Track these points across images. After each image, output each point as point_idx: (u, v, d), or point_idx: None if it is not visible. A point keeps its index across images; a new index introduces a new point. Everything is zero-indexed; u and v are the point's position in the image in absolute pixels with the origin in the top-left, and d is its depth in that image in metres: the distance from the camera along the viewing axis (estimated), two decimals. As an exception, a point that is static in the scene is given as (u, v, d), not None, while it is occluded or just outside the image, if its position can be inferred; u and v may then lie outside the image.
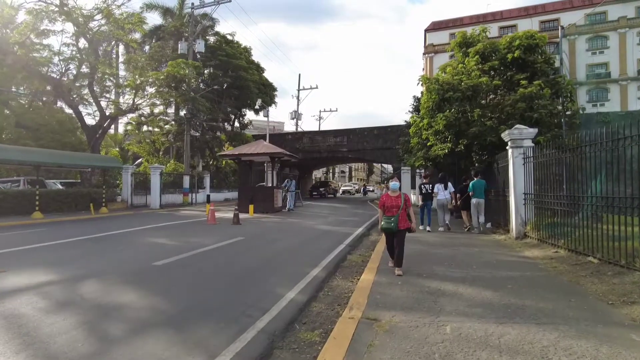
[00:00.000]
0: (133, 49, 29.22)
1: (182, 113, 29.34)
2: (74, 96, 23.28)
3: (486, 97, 12.84)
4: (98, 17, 23.10)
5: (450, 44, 14.19)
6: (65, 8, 20.42)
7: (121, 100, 26.73)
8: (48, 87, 22.85)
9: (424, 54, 45.94)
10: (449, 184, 11.44)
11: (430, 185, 11.70)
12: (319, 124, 52.45)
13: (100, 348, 3.39)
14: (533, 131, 9.20)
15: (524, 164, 9.16)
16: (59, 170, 25.41)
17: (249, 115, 40.49)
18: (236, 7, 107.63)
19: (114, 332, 3.75)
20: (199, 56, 30.84)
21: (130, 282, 5.57)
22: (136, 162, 33.20)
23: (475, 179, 10.85)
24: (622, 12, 42.23)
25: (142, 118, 34.71)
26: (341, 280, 5.99)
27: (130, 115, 32.51)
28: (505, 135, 9.62)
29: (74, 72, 22.72)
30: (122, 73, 28.28)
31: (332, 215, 18.37)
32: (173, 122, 33.68)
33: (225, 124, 38.74)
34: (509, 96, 11.72)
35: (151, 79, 24.81)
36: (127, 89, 24.50)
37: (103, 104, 24.56)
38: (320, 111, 71.76)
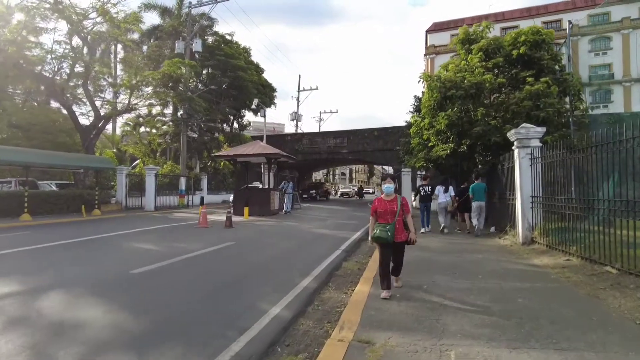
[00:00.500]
0: (130, 49, 28.83)
1: (180, 113, 28.83)
2: (68, 96, 22.80)
3: (490, 96, 12.30)
4: (93, 15, 22.70)
5: (452, 41, 13.65)
6: (59, 6, 19.97)
7: (117, 100, 26.31)
8: (42, 87, 22.41)
9: (425, 55, 45.45)
10: (450, 187, 11.67)
11: (430, 188, 11.78)
12: (319, 126, 51.98)
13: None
14: (541, 130, 8.66)
15: (531, 165, 8.61)
16: (54, 172, 24.96)
17: (249, 116, 40.02)
18: (237, 9, 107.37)
19: (62, 358, 3.22)
20: (197, 56, 30.39)
21: (100, 294, 5.03)
22: (133, 164, 32.74)
23: (475, 182, 10.80)
24: (625, 13, 41.75)
25: (140, 119, 34.31)
26: (334, 291, 5.45)
27: (126, 116, 32.14)
28: (511, 135, 9.08)
29: (68, 71, 22.23)
30: (119, 73, 27.92)
31: (330, 218, 17.84)
32: (170, 123, 33.23)
33: (224, 125, 38.26)
34: (514, 94, 11.19)
35: (147, 78, 24.32)
36: (123, 89, 24.01)
37: (98, 103, 24.10)
38: (320, 112, 71.09)
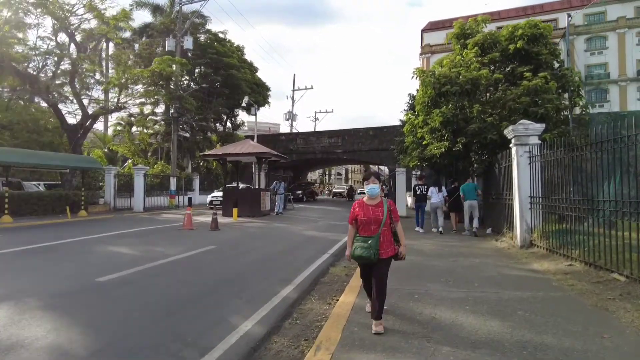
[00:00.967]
0: (121, 47, 28.20)
1: (170, 112, 28.23)
2: (55, 94, 22.18)
3: (486, 92, 11.83)
4: (81, 11, 22.11)
5: (448, 36, 13.17)
6: (44, 0, 19.33)
7: (107, 98, 25.69)
8: (27, 85, 21.77)
9: (420, 54, 45.07)
10: (443, 188, 11.80)
11: (425, 187, 11.84)
12: (315, 125, 51.48)
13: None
14: (540, 127, 8.21)
15: (529, 164, 8.15)
16: (44, 172, 24.33)
17: (243, 116, 39.46)
18: (232, 9, 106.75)
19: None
20: (190, 55, 29.82)
21: (52, 307, 4.50)
22: (125, 164, 32.09)
23: (466, 182, 11.07)
24: (621, 12, 41.60)
25: (132, 118, 33.65)
26: (316, 302, 4.95)
27: (115, 115, 31.50)
28: (508, 132, 8.62)
29: (53, 68, 21.61)
30: (111, 72, 27.25)
31: (323, 219, 17.35)
32: (162, 122, 32.61)
33: (217, 124, 37.68)
34: (511, 90, 10.73)
35: (137, 76, 23.73)
36: (111, 87, 23.39)
37: (86, 102, 23.49)
38: (315, 112, 70.90)
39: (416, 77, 12.10)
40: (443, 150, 11.28)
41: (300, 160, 36.73)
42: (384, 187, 39.43)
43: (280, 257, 8.05)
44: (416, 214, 12.09)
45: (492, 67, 12.05)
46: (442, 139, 11.60)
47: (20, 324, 3.91)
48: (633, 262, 5.02)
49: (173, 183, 25.38)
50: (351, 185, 60.85)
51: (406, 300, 4.70)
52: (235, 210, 15.28)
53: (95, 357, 3.26)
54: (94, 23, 22.71)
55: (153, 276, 6.11)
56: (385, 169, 39.34)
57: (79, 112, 23.36)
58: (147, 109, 33.33)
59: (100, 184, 23.73)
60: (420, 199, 11.80)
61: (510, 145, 8.74)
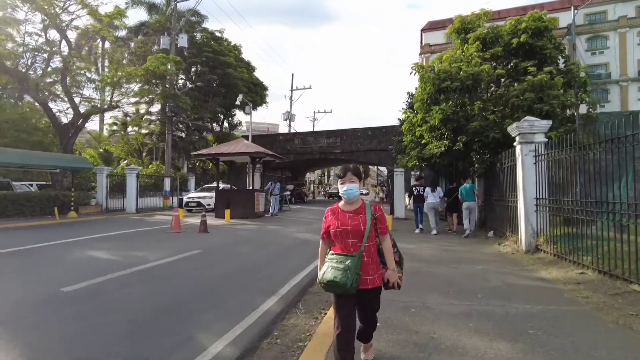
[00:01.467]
0: (115, 44, 27.68)
1: (165, 111, 27.69)
2: (46, 93, 21.63)
3: (488, 89, 11.32)
4: (73, 8, 21.59)
5: (448, 30, 12.68)
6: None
7: (99, 97, 25.13)
8: (16, 83, 21.22)
9: (420, 54, 44.60)
10: (438, 188, 11.67)
11: (423, 188, 11.73)
12: (313, 126, 50.99)
13: None
14: (546, 123, 7.69)
15: (535, 163, 7.64)
16: (36, 172, 23.82)
17: (240, 115, 38.96)
18: (231, 10, 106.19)
19: None
20: (186, 53, 29.32)
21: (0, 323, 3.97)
22: (122, 164, 31.55)
23: (464, 183, 10.93)
24: (622, 12, 41.21)
25: (128, 118, 33.12)
26: (302, 316, 4.42)
27: (111, 114, 30.96)
28: (512, 129, 8.11)
29: (43, 65, 21.06)
30: (106, 71, 26.71)
31: (318, 220, 16.77)
32: (157, 122, 32.09)
33: (214, 124, 37.17)
34: (514, 87, 10.22)
35: (129, 74, 23.19)
36: (103, 85, 22.84)
37: (77, 100, 22.94)
38: (314, 112, 70.23)
39: (415, 73, 11.58)
40: (443, 149, 10.76)
41: (298, 160, 36.23)
42: (384, 188, 38.78)
43: (268, 263, 7.51)
44: (415, 215, 12.16)
45: (494, 64, 11.54)
46: (442, 137, 11.09)
47: (-47, 347, 3.38)
48: (655, 271, 4.51)
49: (167, 183, 24.83)
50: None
51: (401, 314, 4.18)
52: (227, 212, 14.74)
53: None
54: (87, 21, 22.24)
55: (125, 285, 5.58)
56: (384, 170, 38.79)
57: (71, 110, 22.90)
58: (143, 108, 32.84)
59: (92, 184, 23.20)
60: (418, 200, 11.75)
61: (514, 144, 8.23)
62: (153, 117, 33.35)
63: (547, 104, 9.32)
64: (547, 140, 7.58)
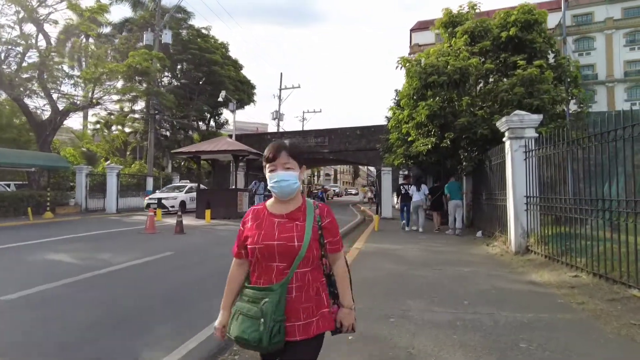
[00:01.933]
0: (101, 42, 26.91)
1: (147, 109, 26.96)
2: (21, 89, 20.79)
3: (476, 85, 10.96)
4: (52, 1, 20.84)
5: (435, 24, 12.30)
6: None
7: (80, 94, 24.31)
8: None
9: (409, 54, 44.43)
10: (423, 186, 11.61)
11: (409, 187, 11.72)
12: (302, 125, 50.46)
13: None
14: (537, 118, 7.33)
15: (525, 159, 7.27)
16: (15, 172, 22.95)
17: (228, 114, 38.30)
18: (220, 10, 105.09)
19: None
20: (172, 50, 28.63)
21: None
22: (102, 163, 30.69)
23: (449, 181, 10.99)
24: (609, 13, 41.57)
25: (111, 116, 32.24)
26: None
27: (93, 112, 30.10)
28: (501, 124, 7.73)
29: (17, 60, 20.24)
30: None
31: (304, 221, 16.32)
32: (141, 120, 31.30)
33: (200, 122, 36.48)
34: (503, 82, 9.88)
35: (111, 70, 22.46)
36: (81, 81, 22.07)
37: (56, 96, 22.12)
38: (303, 112, 69.77)
39: (401, 67, 11.16)
40: (430, 146, 10.36)
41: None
42: (372, 188, 38.56)
43: None
44: (401, 214, 12.37)
45: (483, 59, 11.19)
46: (429, 134, 10.69)
47: None
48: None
49: (150, 183, 24.13)
50: (323, 186, 58.29)
51: (379, 325, 3.72)
52: (208, 212, 14.17)
53: None
54: (67, 15, 21.54)
55: (80, 291, 5.04)
56: (374, 170, 38.42)
57: (49, 107, 22.08)
58: (127, 106, 32.02)
59: (72, 184, 22.43)
60: (405, 199, 11.80)
61: (504, 140, 7.86)
62: (137, 116, 32.57)
63: (537, 99, 8.98)
64: (537, 135, 7.22)
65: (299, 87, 47.71)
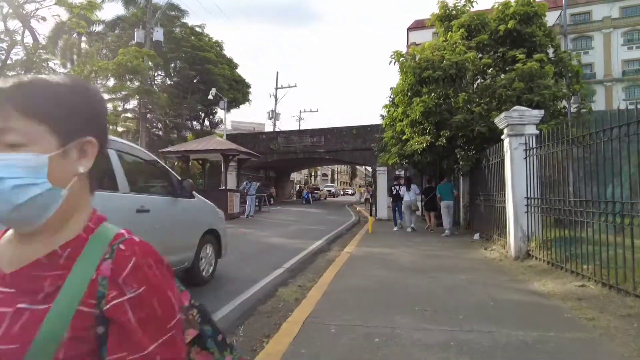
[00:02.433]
0: (93, 39, 26.38)
1: (139, 107, 26.44)
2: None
3: (473, 81, 10.50)
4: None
5: (430, 18, 11.83)
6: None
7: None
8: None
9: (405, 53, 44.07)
10: (413, 186, 11.69)
11: (400, 187, 11.91)
12: (299, 124, 50.00)
13: None
14: (538, 113, 6.86)
15: (526, 158, 6.80)
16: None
17: (223, 114, 37.83)
18: (216, 10, 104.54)
19: None
20: (165, 49, 28.10)
21: None
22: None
23: (442, 182, 11.09)
24: (607, 12, 41.39)
25: (104, 115, 31.65)
26: (237, 346, 3.43)
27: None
28: (500, 120, 7.26)
29: (2, 56, 19.71)
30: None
31: (297, 223, 15.83)
32: (134, 119, 30.77)
33: (194, 122, 35.97)
34: (500, 77, 9.42)
35: (100, 68, 21.96)
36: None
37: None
38: (300, 111, 69.40)
39: (394, 62, 10.68)
40: (425, 145, 9.89)
41: (282, 160, 35.24)
42: (369, 188, 38.38)
43: (219, 275, 6.39)
44: (393, 214, 12.58)
45: (480, 55, 10.73)
46: (424, 132, 10.22)
47: None
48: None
49: (140, 184, 23.60)
50: (307, 184, 56.62)
51: (361, 347, 3.22)
52: (196, 214, 13.64)
53: None
54: (55, 11, 21.05)
55: None
56: (371, 170, 37.92)
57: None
58: (119, 105, 31.51)
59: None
60: (397, 199, 12.01)
61: (502, 137, 7.39)
62: (130, 115, 32.06)
63: (537, 95, 8.51)
64: (538, 132, 6.75)
65: (295, 86, 47.35)
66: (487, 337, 3.41)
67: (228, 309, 4.45)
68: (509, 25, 9.70)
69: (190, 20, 34.99)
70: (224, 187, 16.93)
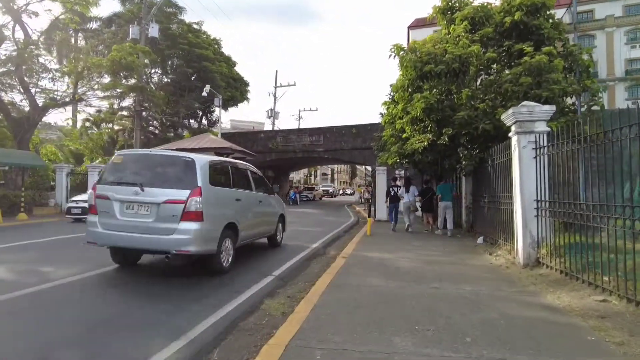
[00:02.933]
0: (89, 35, 25.91)
1: (135, 105, 25.91)
2: (-2, 83, 19.76)
3: (477, 76, 9.97)
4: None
5: (433, 11, 11.29)
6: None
7: (62, 89, 23.24)
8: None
9: (406, 50, 43.54)
10: (412, 188, 11.60)
11: (399, 188, 11.98)
12: (299, 124, 49.50)
13: None
14: (549, 109, 6.33)
15: (535, 157, 6.28)
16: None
17: (222, 112, 37.37)
18: (215, 8, 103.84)
19: None
20: (162, 46, 27.59)
21: None
22: (85, 162, 29.60)
23: (442, 182, 11.24)
24: (609, 11, 40.95)
25: (100, 114, 31.14)
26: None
27: (79, 109, 29.02)
28: (507, 117, 6.74)
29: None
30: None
31: (295, 223, 15.28)
32: (130, 117, 30.26)
33: (191, 120, 35.48)
34: (505, 73, 8.89)
35: (94, 65, 21.43)
36: (62, 75, 21.01)
37: (35, 92, 21.04)
38: (299, 110, 68.75)
39: (394, 56, 10.14)
40: (426, 143, 9.36)
41: (281, 159, 34.76)
42: (369, 188, 37.84)
43: (199, 284, 5.79)
44: (390, 214, 12.70)
45: (484, 50, 10.20)
46: (425, 130, 9.70)
47: None
48: None
49: (136, 183, 23.07)
50: (292, 182, 55.91)
51: (352, 379, 2.72)
52: (187, 214, 13.13)
53: None
54: (47, 7, 20.55)
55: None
56: (371, 170, 37.41)
57: (27, 103, 21.02)
58: (115, 103, 31.00)
59: (52, 183, 21.42)
60: (394, 200, 12.12)
61: (510, 135, 6.88)
62: (125, 113, 31.55)
63: (546, 90, 7.99)
64: (549, 130, 6.24)
65: (294, 84, 46.93)
66: (501, 366, 2.90)
67: (204, 325, 3.92)
68: (516, 17, 9.16)
69: (188, 18, 34.39)
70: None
